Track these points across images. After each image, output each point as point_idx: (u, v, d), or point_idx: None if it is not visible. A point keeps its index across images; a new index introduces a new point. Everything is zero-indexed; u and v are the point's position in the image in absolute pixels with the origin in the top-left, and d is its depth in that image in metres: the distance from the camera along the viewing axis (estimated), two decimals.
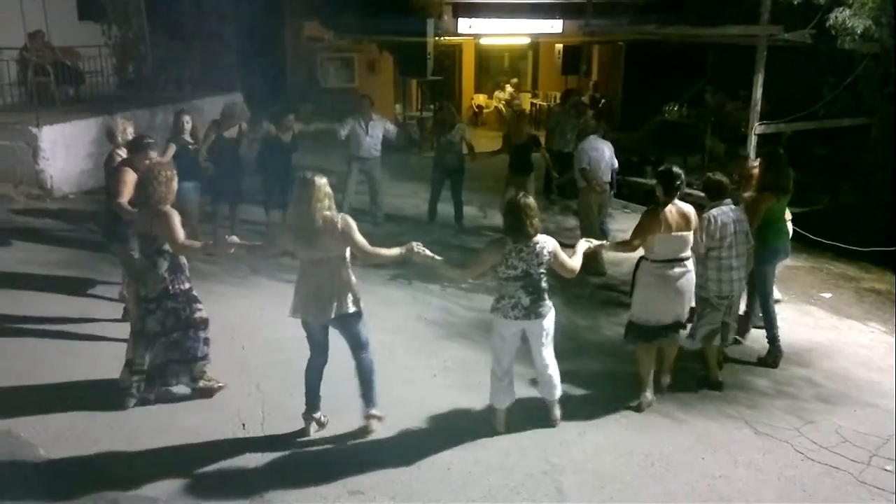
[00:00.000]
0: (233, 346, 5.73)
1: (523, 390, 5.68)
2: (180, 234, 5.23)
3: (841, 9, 9.63)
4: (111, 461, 4.89)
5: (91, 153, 11.13)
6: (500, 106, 20.53)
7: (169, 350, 5.45)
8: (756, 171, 6.87)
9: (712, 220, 5.88)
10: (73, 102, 12.43)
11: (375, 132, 10.14)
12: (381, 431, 5.26)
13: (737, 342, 6.77)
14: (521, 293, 5.11)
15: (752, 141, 10.54)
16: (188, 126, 8.35)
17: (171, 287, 5.31)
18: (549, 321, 5.28)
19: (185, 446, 5.06)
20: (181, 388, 5.58)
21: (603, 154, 8.95)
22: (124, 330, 5.91)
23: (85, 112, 11.61)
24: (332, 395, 5.34)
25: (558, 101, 15.22)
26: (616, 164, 9.23)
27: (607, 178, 9.03)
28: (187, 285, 5.42)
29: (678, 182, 5.62)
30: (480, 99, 20.92)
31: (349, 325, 5.11)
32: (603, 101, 18.06)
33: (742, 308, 6.70)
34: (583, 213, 9.29)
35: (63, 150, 10.86)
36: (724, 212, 5.94)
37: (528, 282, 5.10)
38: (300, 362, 5.59)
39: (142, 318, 5.37)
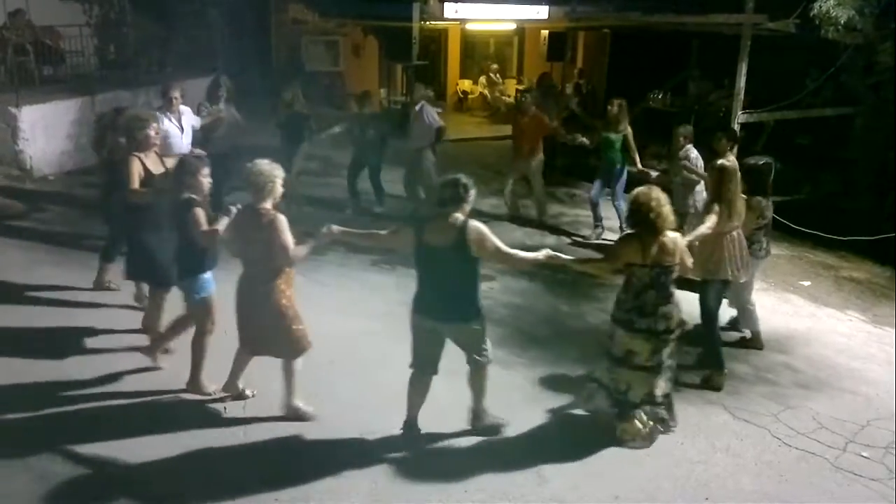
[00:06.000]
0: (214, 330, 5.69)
1: (508, 377, 5.70)
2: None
3: None
4: (85, 450, 4.87)
5: (71, 134, 11.03)
6: (486, 92, 20.50)
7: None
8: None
9: None
10: (53, 82, 12.27)
11: (187, 127, 7.92)
12: (358, 414, 5.27)
13: None
14: (763, 239, 6.48)
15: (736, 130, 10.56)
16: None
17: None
18: None
19: (164, 428, 5.05)
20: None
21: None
22: (95, 305, 5.77)
23: (65, 92, 11.49)
24: (310, 381, 5.34)
25: (534, 84, 15.21)
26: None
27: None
28: None
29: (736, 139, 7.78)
30: (465, 84, 20.86)
31: None
32: (588, 87, 18.06)
33: None
34: (426, 174, 9.89)
35: (43, 131, 10.75)
36: None
37: (766, 230, 6.54)
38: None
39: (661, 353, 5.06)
